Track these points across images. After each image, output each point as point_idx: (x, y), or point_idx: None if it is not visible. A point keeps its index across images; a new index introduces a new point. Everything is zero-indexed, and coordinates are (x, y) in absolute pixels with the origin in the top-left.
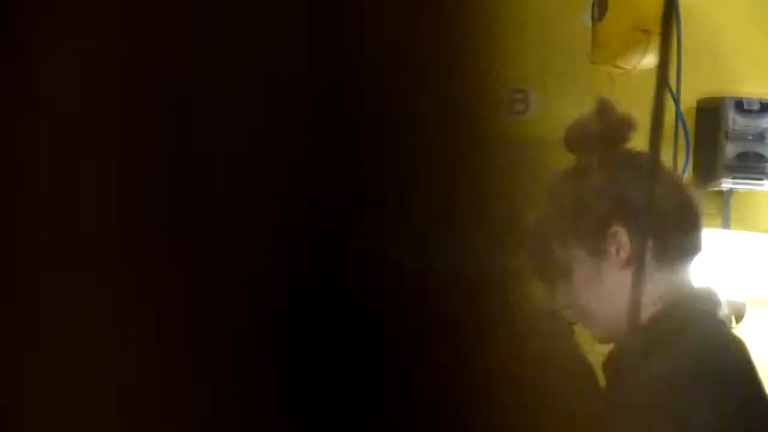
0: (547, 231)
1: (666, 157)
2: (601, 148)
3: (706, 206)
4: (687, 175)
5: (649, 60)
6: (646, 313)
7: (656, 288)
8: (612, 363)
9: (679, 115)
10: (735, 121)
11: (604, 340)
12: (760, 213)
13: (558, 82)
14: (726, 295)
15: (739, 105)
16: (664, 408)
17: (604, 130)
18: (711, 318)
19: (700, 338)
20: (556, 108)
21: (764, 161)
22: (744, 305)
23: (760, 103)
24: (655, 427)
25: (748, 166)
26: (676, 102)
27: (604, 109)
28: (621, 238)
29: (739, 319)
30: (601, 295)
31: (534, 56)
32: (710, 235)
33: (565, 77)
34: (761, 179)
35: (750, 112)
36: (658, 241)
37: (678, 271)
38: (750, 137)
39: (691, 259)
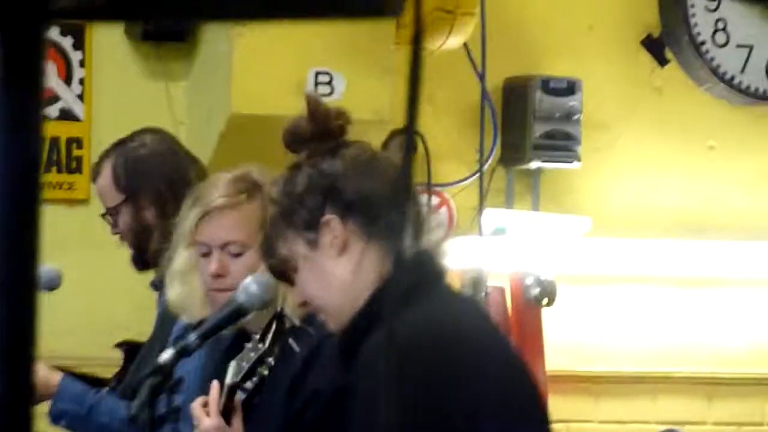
0: (272, 233)
1: (473, 136)
2: (313, 143)
3: (515, 186)
4: (495, 154)
5: (454, 41)
6: (368, 293)
7: (373, 269)
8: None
9: (485, 94)
10: (542, 100)
11: (337, 326)
12: (568, 191)
13: (363, 63)
14: (537, 273)
15: (546, 84)
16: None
17: (314, 126)
18: (429, 287)
19: (413, 312)
20: (362, 89)
21: (571, 140)
22: (552, 283)
23: (567, 82)
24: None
25: (556, 144)
26: (483, 81)
27: (313, 105)
28: (334, 225)
29: (550, 298)
30: (325, 285)
31: (339, 38)
32: (521, 215)
33: (371, 58)
34: (569, 158)
35: (557, 91)
36: (370, 224)
37: (391, 249)
38: (557, 116)
39: (403, 236)
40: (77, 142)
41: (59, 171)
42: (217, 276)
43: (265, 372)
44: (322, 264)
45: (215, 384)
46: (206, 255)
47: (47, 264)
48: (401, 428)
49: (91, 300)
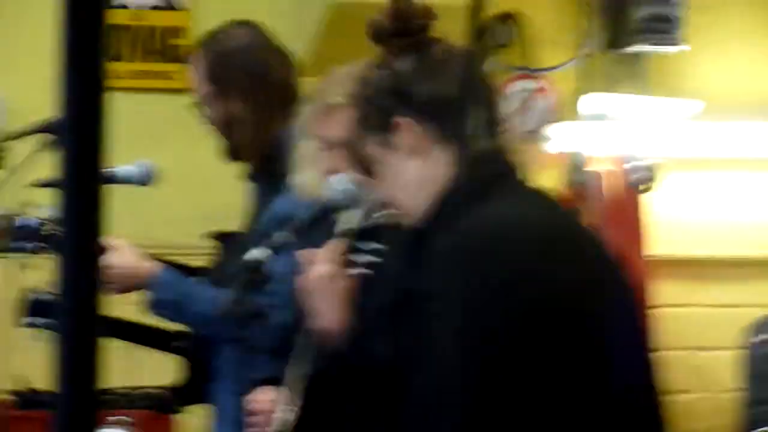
0: (354, 132)
1: (573, 20)
2: (394, 39)
3: (616, 70)
4: (596, 38)
5: None
6: (435, 193)
7: (444, 169)
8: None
9: None
10: None
11: (410, 223)
12: (670, 75)
13: None
14: (639, 159)
15: None
16: (444, 283)
17: (394, 23)
18: (500, 185)
19: (483, 212)
20: None
21: (673, 22)
22: (653, 167)
23: None
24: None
25: (657, 27)
26: None
27: (395, 1)
28: (406, 127)
29: (650, 182)
30: (399, 186)
31: None
32: (622, 100)
33: None
34: (671, 41)
35: None
36: (442, 125)
37: (462, 149)
38: None
39: (473, 135)
40: (177, 31)
41: (159, 60)
42: (331, 172)
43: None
44: (395, 165)
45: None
46: (323, 150)
47: (143, 159)
48: (471, 329)
49: (188, 189)
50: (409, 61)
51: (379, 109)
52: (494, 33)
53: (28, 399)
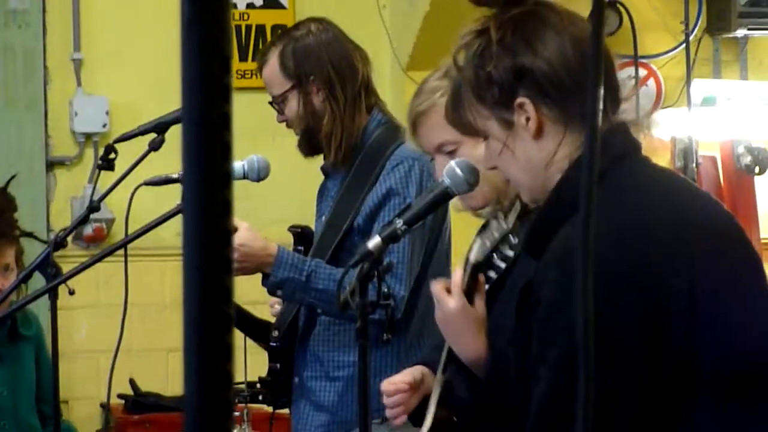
0: (459, 101)
1: (678, 6)
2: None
3: (722, 55)
4: (700, 24)
5: None
6: (559, 175)
7: (565, 149)
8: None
9: None
10: None
11: (532, 203)
12: None
13: None
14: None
15: None
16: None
17: None
18: (623, 163)
19: (608, 195)
20: None
21: None
22: (764, 150)
23: None
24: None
25: (762, 11)
26: None
27: None
28: (527, 107)
29: (762, 166)
30: (518, 165)
31: None
32: (730, 84)
33: None
34: None
35: None
36: (563, 104)
37: (581, 129)
38: None
39: (596, 115)
40: (282, 29)
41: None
42: None
43: (509, 252)
44: (514, 144)
45: (459, 270)
46: (431, 160)
47: (257, 154)
48: (605, 316)
49: (302, 185)
50: (529, 35)
51: (498, 86)
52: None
53: (136, 402)
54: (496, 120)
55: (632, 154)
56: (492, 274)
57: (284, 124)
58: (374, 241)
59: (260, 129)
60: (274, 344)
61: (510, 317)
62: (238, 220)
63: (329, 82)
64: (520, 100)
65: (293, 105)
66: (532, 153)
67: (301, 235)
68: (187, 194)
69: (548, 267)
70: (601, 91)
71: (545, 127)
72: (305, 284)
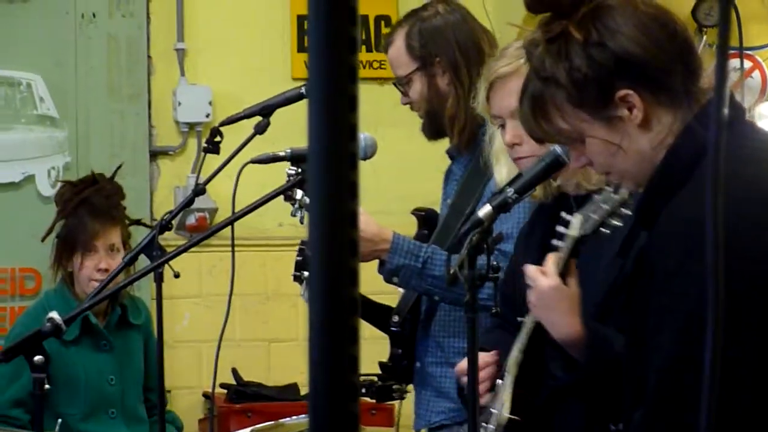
0: (540, 107)
1: None
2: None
3: None
4: None
5: None
6: (662, 153)
7: (668, 135)
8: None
9: None
10: None
11: (635, 189)
12: None
13: None
14: None
15: None
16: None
17: None
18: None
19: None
20: None
21: None
22: None
23: None
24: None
25: None
26: None
27: None
28: (631, 99)
29: None
30: (628, 158)
31: None
32: None
33: None
34: None
35: None
36: (665, 91)
37: (683, 105)
38: None
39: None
40: (386, 19)
41: (369, 49)
42: (513, 145)
43: (618, 223)
44: (621, 139)
45: (552, 254)
46: (502, 126)
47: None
48: (735, 298)
49: (404, 176)
50: (619, 26)
51: (595, 84)
52: (706, 12)
53: (239, 392)
54: (597, 121)
55: (737, 120)
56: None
57: (408, 106)
58: (485, 210)
59: (362, 119)
60: (395, 329)
61: (598, 279)
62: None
63: (455, 63)
64: (621, 92)
65: (417, 86)
66: (642, 142)
67: (426, 218)
68: (314, 175)
69: (664, 237)
70: (687, 72)
71: (651, 112)
72: (421, 270)
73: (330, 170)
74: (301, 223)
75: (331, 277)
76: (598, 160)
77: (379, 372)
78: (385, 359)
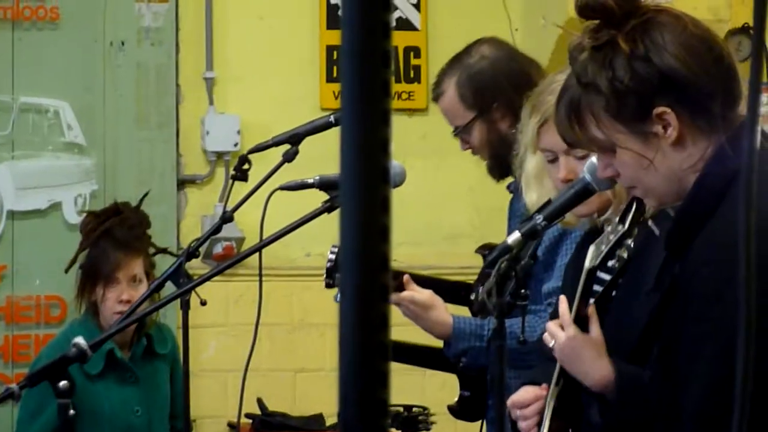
0: (578, 112)
1: None
2: (622, 8)
3: None
4: None
5: None
6: (691, 180)
7: (700, 157)
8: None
9: None
10: None
11: (659, 207)
12: None
13: None
14: None
15: None
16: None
17: (622, 6)
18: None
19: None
20: None
21: None
22: None
23: None
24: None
25: None
26: None
27: None
28: (667, 117)
29: None
30: (658, 175)
31: None
32: None
33: None
34: None
35: None
36: (701, 112)
37: (719, 130)
38: None
39: (734, 111)
40: (415, 51)
41: (398, 81)
42: (567, 180)
43: (624, 254)
44: (653, 155)
45: (563, 298)
46: (553, 161)
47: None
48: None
49: (432, 208)
50: (663, 43)
51: (635, 97)
52: (735, 47)
53: (264, 422)
54: (632, 134)
55: (765, 150)
56: (604, 275)
57: (469, 151)
58: (514, 236)
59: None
60: (461, 368)
61: (634, 315)
62: (425, 294)
63: (513, 106)
64: (659, 109)
65: (478, 134)
66: (674, 161)
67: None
68: (345, 191)
69: (700, 264)
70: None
71: (686, 133)
72: (488, 350)
73: (361, 185)
74: None
75: (363, 292)
76: (627, 173)
77: (406, 403)
78: (409, 385)
